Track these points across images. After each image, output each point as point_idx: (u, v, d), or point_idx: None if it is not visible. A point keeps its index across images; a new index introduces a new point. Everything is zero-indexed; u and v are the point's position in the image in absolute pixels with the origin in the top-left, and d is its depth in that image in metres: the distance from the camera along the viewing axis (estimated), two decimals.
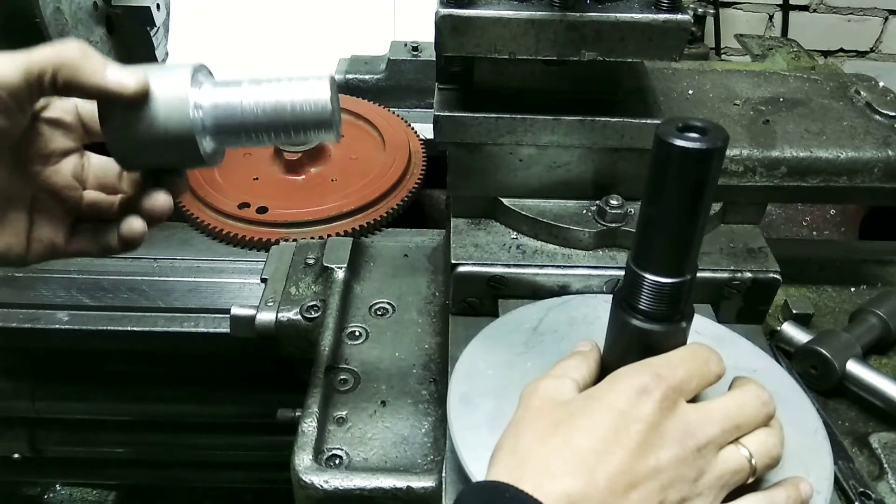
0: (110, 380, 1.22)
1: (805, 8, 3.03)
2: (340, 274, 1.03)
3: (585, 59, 0.80)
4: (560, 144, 0.88)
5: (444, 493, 0.71)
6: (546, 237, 0.91)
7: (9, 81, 0.56)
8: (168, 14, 1.29)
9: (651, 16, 0.77)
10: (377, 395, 0.89)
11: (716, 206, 0.94)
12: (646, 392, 0.55)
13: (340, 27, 2.36)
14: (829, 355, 0.90)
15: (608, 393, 0.57)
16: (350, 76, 1.50)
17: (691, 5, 0.80)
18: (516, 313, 0.82)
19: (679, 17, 0.78)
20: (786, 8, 2.99)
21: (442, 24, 0.78)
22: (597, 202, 0.91)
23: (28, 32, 0.98)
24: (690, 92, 1.03)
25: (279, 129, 0.62)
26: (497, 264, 0.88)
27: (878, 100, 1.01)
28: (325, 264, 1.04)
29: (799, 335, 0.95)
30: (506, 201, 0.92)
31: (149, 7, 1.18)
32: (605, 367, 0.64)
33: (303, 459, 0.79)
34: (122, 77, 0.59)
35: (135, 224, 0.66)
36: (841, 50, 3.15)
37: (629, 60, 0.81)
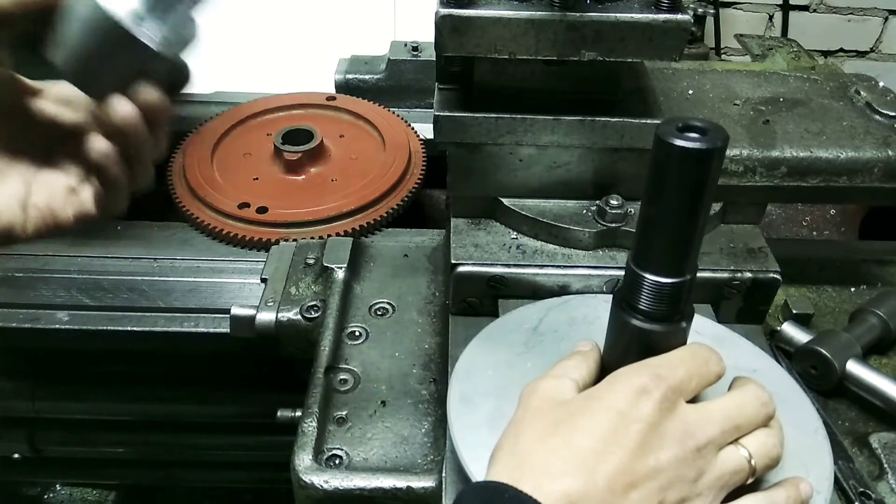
0: (110, 380, 1.22)
1: (805, 8, 3.03)
2: (340, 274, 1.03)
3: (585, 59, 0.80)
4: (560, 144, 0.88)
5: (444, 493, 0.72)
6: (546, 237, 0.91)
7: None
8: None
9: (651, 16, 0.77)
10: (377, 395, 0.89)
11: (716, 206, 0.94)
12: (645, 392, 0.55)
13: (340, 27, 2.36)
14: (829, 355, 0.90)
15: (608, 393, 0.57)
16: (350, 76, 1.50)
17: (691, 5, 0.81)
18: (516, 313, 0.82)
19: (679, 17, 0.78)
20: (786, 8, 2.99)
21: (442, 24, 0.78)
22: (597, 202, 0.91)
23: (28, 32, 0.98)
24: (690, 92, 1.03)
25: None
26: (497, 264, 0.88)
27: (878, 100, 1.01)
28: (325, 264, 1.04)
29: (799, 335, 0.95)
30: (506, 201, 0.92)
31: None
32: (605, 367, 0.64)
33: (303, 459, 0.79)
34: None
35: (98, 142, 0.63)
36: (841, 50, 3.15)
37: (629, 60, 0.81)
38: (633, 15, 0.77)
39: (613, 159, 0.89)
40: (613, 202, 0.89)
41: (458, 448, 0.65)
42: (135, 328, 1.05)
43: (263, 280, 1.05)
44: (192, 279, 1.11)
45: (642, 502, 0.53)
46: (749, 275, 0.88)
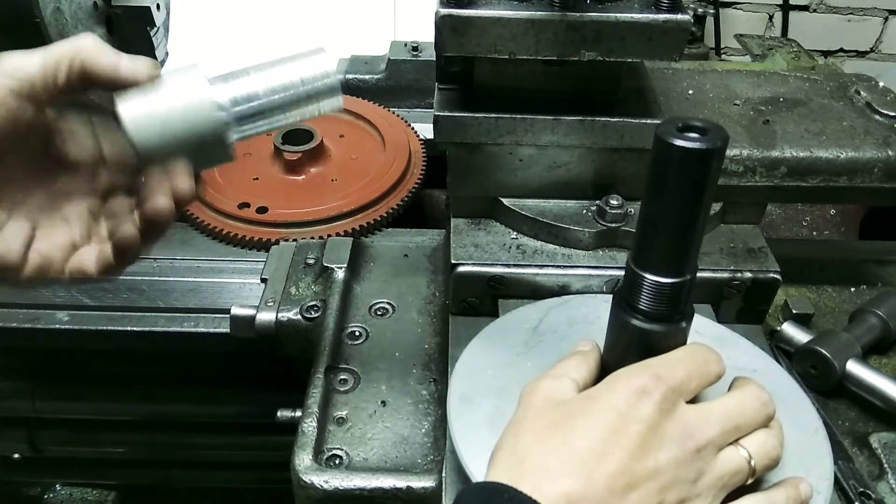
0: (110, 380, 1.22)
1: (805, 8, 3.03)
2: (340, 274, 1.03)
3: (585, 59, 0.80)
4: (560, 144, 0.88)
5: (444, 493, 0.71)
6: (546, 237, 0.91)
7: (29, 72, 0.58)
8: (168, 14, 1.29)
9: (651, 16, 0.77)
10: (377, 395, 0.89)
11: (716, 206, 0.94)
12: (645, 393, 0.55)
13: (340, 27, 2.36)
14: (829, 355, 0.90)
15: (607, 393, 0.57)
16: (350, 76, 1.50)
17: (691, 5, 0.81)
18: (516, 313, 0.82)
19: (679, 17, 0.78)
20: (786, 8, 2.99)
21: (442, 24, 0.78)
22: (597, 202, 0.91)
23: (28, 32, 0.98)
24: (690, 92, 1.03)
25: (295, 107, 0.64)
26: (497, 264, 0.88)
27: (878, 100, 1.01)
28: (325, 264, 1.04)
29: (799, 335, 0.95)
30: (506, 201, 0.92)
31: (149, 7, 1.18)
32: (605, 367, 0.64)
33: (303, 459, 0.79)
34: (135, 63, 0.60)
35: (128, 228, 0.64)
36: (841, 50, 3.15)
37: (629, 60, 0.81)
38: (633, 15, 0.77)
39: (613, 159, 0.89)
40: (613, 202, 0.89)
41: (458, 448, 0.65)
42: (135, 328, 1.05)
43: (263, 280, 1.05)
44: (192, 279, 1.11)
45: (642, 503, 0.53)
46: (749, 275, 0.88)
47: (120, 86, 0.60)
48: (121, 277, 1.09)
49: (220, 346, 1.06)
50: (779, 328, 0.97)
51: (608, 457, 0.53)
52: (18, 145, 0.60)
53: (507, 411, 0.62)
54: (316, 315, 0.98)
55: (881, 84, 1.05)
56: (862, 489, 0.78)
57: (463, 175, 0.91)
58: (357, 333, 0.97)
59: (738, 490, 0.57)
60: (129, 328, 1.05)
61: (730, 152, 0.90)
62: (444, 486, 0.72)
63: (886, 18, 3.05)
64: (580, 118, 0.86)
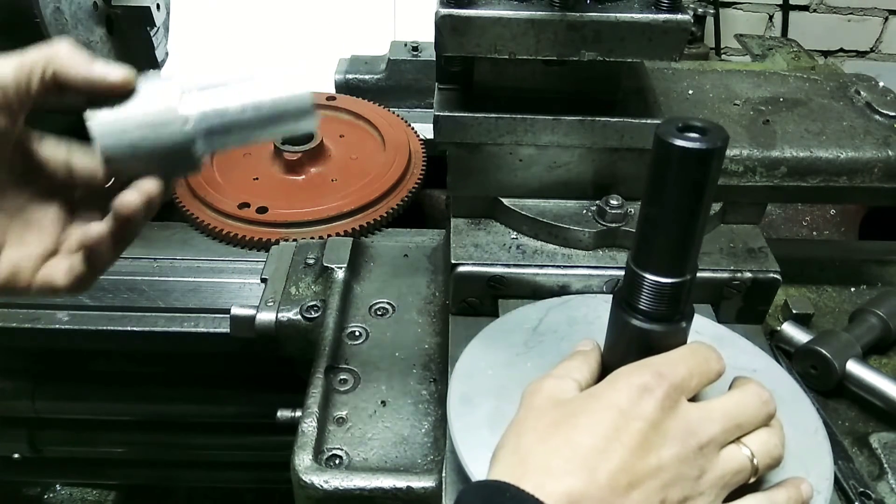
0: (110, 380, 1.22)
1: (805, 8, 3.03)
2: (340, 274, 1.03)
3: (585, 59, 0.80)
4: (560, 144, 0.88)
5: (444, 493, 0.71)
6: (546, 237, 0.91)
7: (2, 81, 0.57)
8: (168, 14, 1.29)
9: (651, 16, 0.77)
10: (377, 395, 0.89)
11: (716, 206, 0.94)
12: (647, 390, 0.55)
13: (340, 27, 2.36)
14: (829, 355, 0.90)
15: (609, 391, 0.57)
16: (350, 76, 1.50)
17: (691, 5, 0.80)
18: (516, 313, 0.82)
19: (679, 17, 0.78)
20: (786, 8, 2.99)
21: (442, 24, 0.78)
22: (597, 202, 0.91)
23: (28, 32, 0.98)
24: (690, 92, 1.03)
25: (265, 126, 0.64)
26: (497, 264, 0.88)
27: (878, 100, 1.01)
28: (325, 264, 1.04)
29: (799, 335, 0.95)
30: (506, 201, 0.92)
31: (149, 7, 1.18)
32: (606, 367, 0.64)
33: (303, 459, 0.79)
34: (107, 69, 0.60)
35: (93, 227, 0.63)
36: (841, 50, 3.15)
37: (629, 60, 0.81)
38: (633, 15, 0.77)
39: (613, 159, 0.89)
40: (613, 202, 0.89)
41: (458, 448, 0.65)
42: (135, 328, 1.05)
43: (263, 280, 1.05)
44: (192, 279, 1.11)
45: (644, 501, 0.53)
46: (749, 275, 0.88)
47: (94, 92, 0.60)
48: (121, 277, 1.10)
49: (220, 346, 1.06)
50: (779, 328, 0.97)
51: (610, 454, 0.53)
52: None
53: (508, 411, 0.62)
54: (316, 315, 0.98)
55: (881, 84, 1.05)
56: (862, 489, 0.78)
57: (463, 175, 0.91)
58: (357, 333, 0.97)
59: (739, 489, 0.57)
60: (129, 328, 1.05)
61: (730, 152, 0.90)
62: (444, 486, 0.72)
63: (886, 18, 3.05)
64: (580, 118, 0.86)
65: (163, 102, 0.61)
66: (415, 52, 1.49)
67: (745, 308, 0.90)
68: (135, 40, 1.21)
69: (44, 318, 1.05)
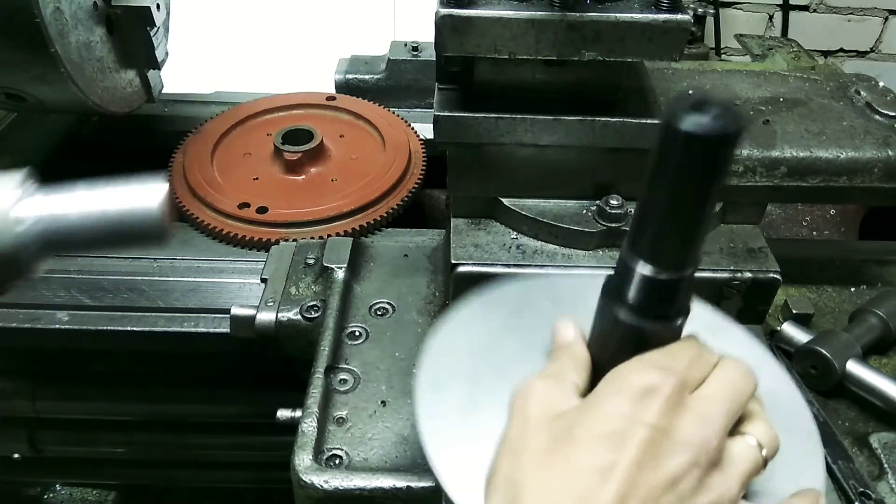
0: (110, 380, 1.22)
1: (805, 8, 3.03)
2: (340, 274, 1.03)
3: (585, 59, 0.80)
4: (560, 144, 0.88)
5: (444, 494, 0.71)
6: (546, 237, 0.91)
7: None
8: (168, 14, 1.29)
9: (651, 16, 0.77)
10: (377, 395, 0.89)
11: (716, 206, 0.94)
12: (653, 391, 0.50)
13: (340, 27, 2.36)
14: (829, 355, 0.90)
15: (611, 398, 0.52)
16: (350, 76, 1.50)
17: (691, 5, 0.80)
18: (496, 289, 0.73)
19: (679, 17, 0.78)
20: (786, 8, 2.99)
21: (442, 24, 0.78)
22: (597, 202, 0.91)
23: (28, 32, 0.98)
24: (690, 92, 1.03)
25: (108, 239, 0.60)
26: (497, 264, 0.88)
27: (878, 100, 1.01)
28: (325, 264, 1.04)
29: (799, 335, 0.95)
30: (506, 201, 0.92)
31: (149, 7, 1.18)
32: (592, 360, 0.59)
33: (303, 459, 0.79)
34: None
35: None
36: (841, 50, 3.15)
37: (629, 60, 0.81)
38: (633, 15, 0.77)
39: (613, 159, 0.89)
40: (613, 202, 0.89)
41: (424, 443, 0.58)
42: (135, 328, 1.05)
43: (263, 280, 1.05)
44: (192, 279, 1.11)
45: None
46: (749, 275, 0.88)
47: None
48: (121, 277, 1.11)
49: (220, 346, 1.06)
50: (779, 328, 0.97)
51: (615, 474, 0.47)
52: None
53: (482, 400, 0.57)
54: (316, 315, 0.98)
55: (881, 84, 1.05)
56: (862, 489, 0.78)
57: (463, 175, 0.91)
58: (357, 333, 0.97)
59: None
60: (129, 328, 1.05)
61: None
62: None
63: (886, 18, 3.05)
64: (580, 118, 0.86)
65: None
66: (415, 52, 1.49)
67: (745, 308, 0.90)
68: (135, 40, 1.21)
69: (44, 318, 1.05)
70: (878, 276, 1.11)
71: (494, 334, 0.68)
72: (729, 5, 3.06)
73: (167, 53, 1.30)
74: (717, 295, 0.89)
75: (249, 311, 0.99)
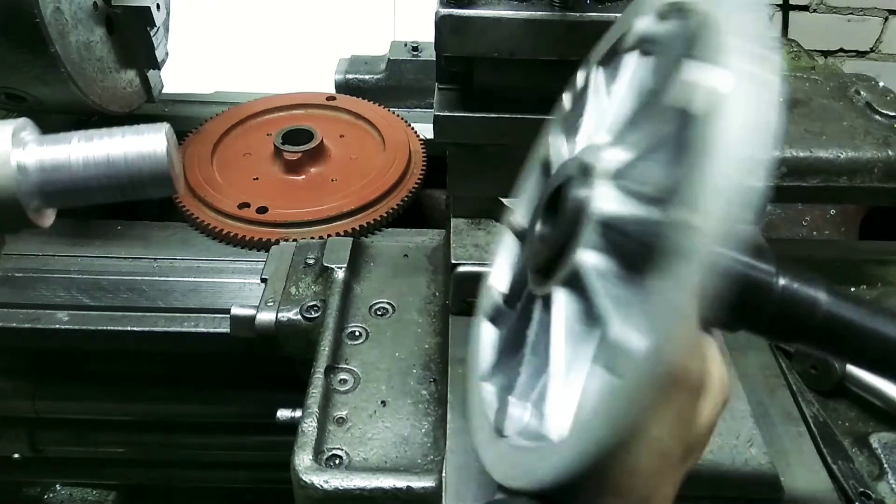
0: (110, 380, 1.22)
1: (805, 8, 3.03)
2: (340, 274, 1.03)
3: None
4: None
5: (444, 493, 0.71)
6: None
7: None
8: (168, 14, 1.29)
9: None
10: (377, 395, 0.89)
11: None
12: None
13: (340, 27, 2.36)
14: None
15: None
16: (350, 76, 1.50)
17: None
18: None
19: None
20: (786, 8, 2.99)
21: (442, 24, 0.78)
22: None
23: (28, 32, 0.98)
24: None
25: (113, 186, 0.58)
26: None
27: (878, 100, 1.01)
28: (325, 264, 1.04)
29: None
30: (506, 201, 0.92)
31: (149, 7, 1.18)
32: None
33: (303, 459, 0.79)
34: None
35: None
36: (841, 50, 3.15)
37: None
38: None
39: None
40: None
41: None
42: (135, 328, 1.05)
43: (263, 280, 1.05)
44: (192, 279, 1.11)
45: None
46: None
47: None
48: (121, 277, 1.11)
49: (220, 346, 1.06)
50: None
51: None
52: None
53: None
54: (316, 315, 0.98)
55: (881, 84, 1.05)
56: (862, 489, 0.78)
57: (463, 175, 0.91)
58: (357, 333, 0.97)
59: None
60: (129, 328, 1.05)
61: None
62: (444, 486, 0.72)
63: (886, 18, 3.05)
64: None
65: None
66: (415, 52, 1.49)
67: None
68: (135, 40, 1.21)
69: (44, 318, 1.05)
70: (878, 276, 1.11)
71: None
72: None
73: (167, 53, 1.30)
74: None
75: (249, 311, 0.99)
